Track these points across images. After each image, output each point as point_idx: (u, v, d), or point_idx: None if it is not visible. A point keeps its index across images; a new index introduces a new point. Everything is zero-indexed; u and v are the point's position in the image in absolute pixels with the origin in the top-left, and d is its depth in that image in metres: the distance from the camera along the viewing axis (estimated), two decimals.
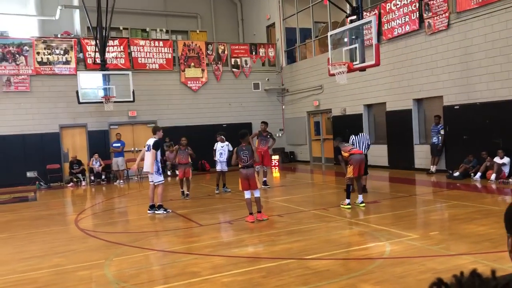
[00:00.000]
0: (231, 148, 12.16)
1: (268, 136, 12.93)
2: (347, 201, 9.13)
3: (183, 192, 12.02)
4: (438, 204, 9.48)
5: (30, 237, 8.27)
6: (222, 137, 12.28)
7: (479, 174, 11.87)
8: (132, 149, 19.11)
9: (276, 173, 17.75)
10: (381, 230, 7.06)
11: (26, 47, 17.26)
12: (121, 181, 17.08)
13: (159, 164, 9.82)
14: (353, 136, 10.64)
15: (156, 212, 9.67)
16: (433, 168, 13.76)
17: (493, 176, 11.45)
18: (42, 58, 17.52)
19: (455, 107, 13.25)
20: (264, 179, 12.84)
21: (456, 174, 12.37)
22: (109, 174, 17.86)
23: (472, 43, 12.60)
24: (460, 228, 6.91)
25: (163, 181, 9.93)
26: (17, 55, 17.11)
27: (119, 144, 17.36)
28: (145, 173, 10.28)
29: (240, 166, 8.38)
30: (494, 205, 8.77)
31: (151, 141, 9.85)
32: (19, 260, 6.56)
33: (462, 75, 12.98)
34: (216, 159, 12.25)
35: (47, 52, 17.61)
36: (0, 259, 6.74)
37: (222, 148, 12.20)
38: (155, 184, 9.83)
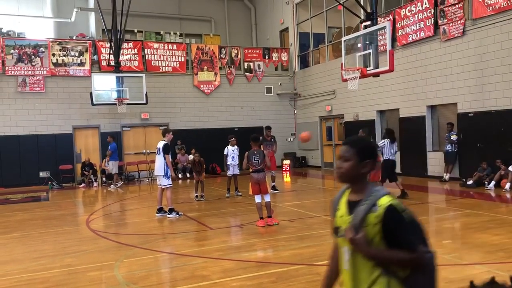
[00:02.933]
0: (238, 152, 12.21)
1: (273, 140, 12.92)
2: None
3: (196, 195, 12.08)
4: (451, 212, 9.36)
5: (42, 237, 8.34)
6: (234, 139, 12.30)
7: (493, 182, 11.71)
8: (144, 151, 19.22)
9: (287, 177, 17.71)
10: None
11: (41, 49, 17.48)
12: (115, 185, 16.25)
13: (168, 168, 9.82)
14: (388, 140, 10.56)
15: (168, 216, 9.66)
16: (446, 176, 13.62)
17: (507, 185, 11.28)
18: (57, 59, 17.73)
19: (470, 115, 13.11)
20: (273, 183, 12.81)
21: (470, 182, 12.22)
22: (120, 176, 17.96)
23: (487, 50, 12.47)
24: (474, 237, 6.81)
25: (171, 185, 9.94)
26: (33, 56, 17.33)
27: (109, 148, 16.53)
28: (155, 176, 10.28)
29: (251, 170, 8.36)
30: (508, 215, 8.64)
31: (160, 144, 9.89)
32: (31, 259, 6.61)
33: (477, 82, 12.85)
34: (229, 163, 12.18)
35: (62, 53, 17.82)
36: (13, 258, 6.80)
37: (233, 152, 12.19)
38: (163, 187, 9.85)
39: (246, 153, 8.46)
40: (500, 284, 0.99)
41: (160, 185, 9.89)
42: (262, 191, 8.33)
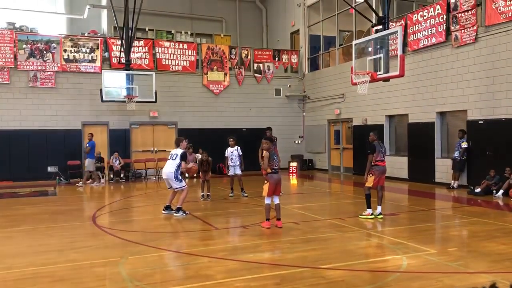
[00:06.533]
0: (240, 152, 12.24)
1: (275, 141, 12.85)
2: (369, 211, 8.98)
3: (203, 195, 12.14)
4: (457, 220, 9.30)
5: (49, 231, 8.39)
6: (232, 140, 12.35)
7: (501, 191, 11.62)
8: (152, 149, 19.29)
9: (293, 180, 17.68)
10: (399, 243, 6.95)
11: (53, 44, 17.62)
12: (80, 183, 16.13)
13: (177, 173, 9.88)
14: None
15: (174, 214, 9.70)
16: (454, 183, 13.52)
17: None
18: (68, 55, 17.86)
19: (479, 122, 13.02)
20: None
21: (478, 190, 12.13)
22: (128, 173, 18.04)
23: (499, 57, 12.39)
24: (480, 246, 6.76)
25: (186, 186, 9.97)
26: (45, 52, 17.47)
27: (87, 145, 16.19)
28: (164, 179, 10.26)
29: (269, 171, 8.22)
30: None
31: (178, 151, 9.92)
32: (37, 253, 6.66)
33: (488, 89, 12.76)
34: (229, 164, 12.30)
35: (74, 50, 17.94)
36: (20, 251, 6.85)
37: (232, 154, 12.26)
38: (176, 190, 9.89)
39: (267, 153, 8.35)
40: None
41: (171, 187, 9.94)
42: (277, 192, 8.31)
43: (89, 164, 15.98)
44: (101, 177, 17.26)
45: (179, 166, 9.83)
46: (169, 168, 9.82)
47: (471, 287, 1.14)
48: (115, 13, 16.90)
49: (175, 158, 9.85)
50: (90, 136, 16.30)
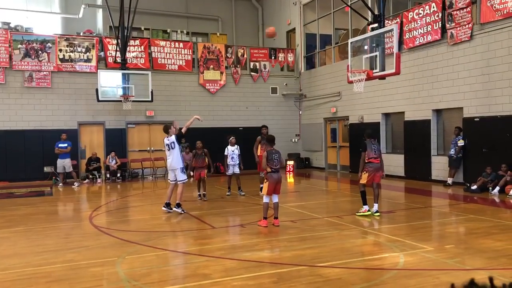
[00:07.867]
0: (238, 152, 12.26)
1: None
2: (365, 207, 9.02)
3: (199, 194, 12.11)
4: (454, 217, 9.34)
5: (46, 231, 8.37)
6: (232, 139, 12.37)
7: (497, 188, 11.65)
8: (148, 148, 19.25)
9: (290, 178, 17.69)
10: (395, 241, 6.97)
11: (49, 44, 17.55)
12: (76, 183, 15.82)
13: (183, 164, 9.97)
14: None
15: (174, 208, 9.81)
16: (450, 180, 13.57)
17: None
18: (64, 55, 17.79)
19: (475, 119, 13.06)
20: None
21: (474, 187, 12.16)
22: (124, 173, 18.01)
23: (495, 55, 12.43)
24: (477, 243, 6.79)
25: (186, 180, 10.06)
26: (40, 52, 17.40)
27: (66, 145, 15.99)
28: (171, 170, 10.19)
29: (269, 170, 8.24)
30: None
31: (172, 138, 9.95)
32: (34, 254, 6.64)
33: (483, 87, 12.80)
34: (229, 163, 12.29)
35: (69, 49, 17.88)
36: (16, 252, 6.83)
37: (233, 152, 12.26)
38: (178, 182, 9.90)
39: (265, 153, 8.38)
40: (480, 286, 0.99)
41: (175, 180, 9.96)
42: (277, 191, 8.32)
43: (70, 164, 15.96)
44: (97, 176, 17.24)
45: (182, 154, 10.06)
46: (175, 159, 9.90)
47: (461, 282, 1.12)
48: (110, 12, 16.85)
49: (174, 147, 9.90)
50: (65, 136, 16.25)
